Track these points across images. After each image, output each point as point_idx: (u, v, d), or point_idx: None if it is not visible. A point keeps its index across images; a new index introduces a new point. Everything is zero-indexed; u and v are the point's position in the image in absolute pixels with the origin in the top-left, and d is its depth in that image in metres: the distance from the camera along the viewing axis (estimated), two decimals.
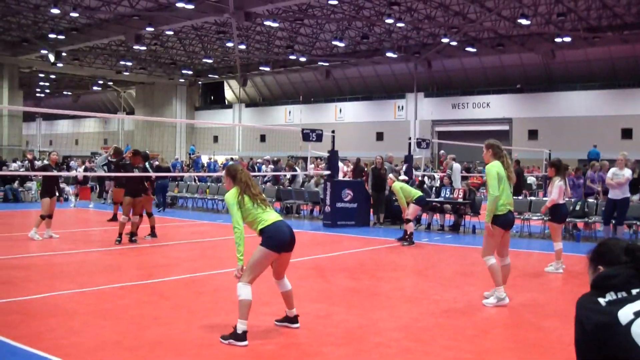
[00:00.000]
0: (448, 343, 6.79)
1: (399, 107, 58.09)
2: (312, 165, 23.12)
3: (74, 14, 41.50)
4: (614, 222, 15.39)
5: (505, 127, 52.28)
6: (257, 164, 32.55)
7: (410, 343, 6.77)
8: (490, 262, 8.53)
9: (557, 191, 11.59)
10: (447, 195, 18.76)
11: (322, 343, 6.66)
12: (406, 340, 6.88)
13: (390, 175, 17.03)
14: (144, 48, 52.98)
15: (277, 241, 6.65)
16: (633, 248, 3.06)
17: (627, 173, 14.85)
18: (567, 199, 13.17)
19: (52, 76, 70.16)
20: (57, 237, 14.94)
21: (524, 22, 39.69)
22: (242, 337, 6.45)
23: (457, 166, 21.07)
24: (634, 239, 15.89)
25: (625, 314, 2.80)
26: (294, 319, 7.17)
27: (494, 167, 8.61)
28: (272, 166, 29.36)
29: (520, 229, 17.91)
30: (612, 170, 15.24)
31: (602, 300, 2.92)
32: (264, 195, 7.03)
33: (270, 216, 6.77)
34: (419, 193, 15.72)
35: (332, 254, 13.86)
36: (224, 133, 66.27)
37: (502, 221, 8.56)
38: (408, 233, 15.40)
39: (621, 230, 15.21)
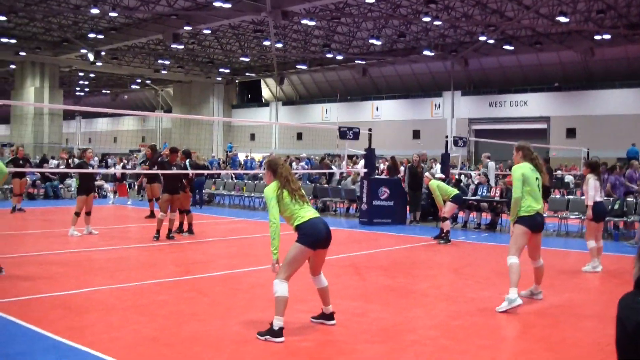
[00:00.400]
0: (484, 342, 6.76)
1: (435, 105, 57.88)
2: (344, 163, 23.15)
3: (113, 14, 42.02)
4: None
5: (543, 126, 51.85)
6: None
7: (446, 341, 6.76)
8: (511, 261, 8.34)
9: (593, 189, 11.45)
10: (483, 194, 18.67)
11: (358, 340, 6.68)
12: (442, 338, 6.87)
13: (427, 174, 17.01)
14: (181, 47, 53.36)
15: (313, 238, 6.69)
16: None
17: None
18: (605, 198, 12.98)
19: (92, 75, 71.02)
20: (97, 233, 15.14)
21: (562, 19, 39.27)
22: (279, 333, 6.49)
23: (491, 164, 20.98)
24: None
25: None
26: (330, 316, 7.19)
27: (519, 169, 8.58)
28: (302, 164, 29.47)
29: (557, 227, 17.77)
30: None
31: None
32: (303, 191, 7.07)
33: (307, 213, 6.81)
34: (455, 191, 15.71)
35: (368, 251, 13.88)
36: (261, 131, 66.51)
37: (529, 222, 8.46)
38: (445, 231, 15.36)
39: None
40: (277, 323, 6.51)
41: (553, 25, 42.81)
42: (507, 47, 48.08)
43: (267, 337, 6.50)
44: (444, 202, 15.52)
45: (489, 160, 21.02)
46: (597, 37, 44.12)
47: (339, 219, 21.39)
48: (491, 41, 47.90)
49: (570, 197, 21.17)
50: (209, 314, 7.66)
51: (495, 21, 43.81)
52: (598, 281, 10.77)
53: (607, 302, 8.62)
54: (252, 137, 67.15)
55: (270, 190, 6.83)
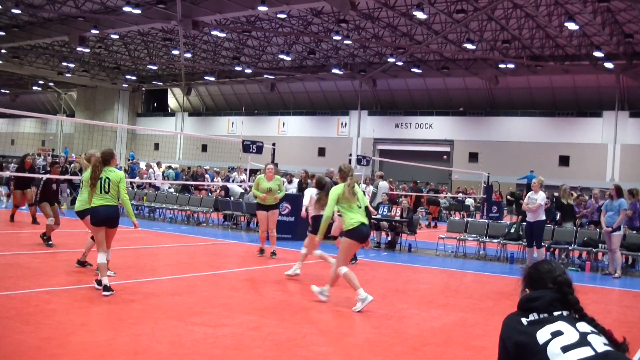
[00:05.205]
0: None
1: (342, 123, 58.44)
2: (236, 175, 23.03)
3: (16, 11, 40.56)
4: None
5: (447, 149, 52.98)
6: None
7: (339, 358, 6.74)
8: (344, 271, 9.21)
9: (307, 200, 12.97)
10: (384, 213, 18.81)
11: (251, 355, 6.57)
12: (335, 355, 6.84)
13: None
14: (87, 50, 52.20)
15: (94, 220, 9.22)
16: (561, 281, 3.17)
17: (540, 197, 15.14)
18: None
19: None
20: None
21: (469, 46, 40.30)
22: (108, 288, 8.83)
23: (383, 184, 21.03)
24: (565, 262, 16.24)
25: (543, 334, 2.95)
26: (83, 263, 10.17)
27: (335, 190, 9.34)
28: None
29: (456, 249, 18.08)
30: (529, 194, 15.56)
31: (524, 320, 3.08)
32: (101, 183, 9.31)
33: (96, 202, 9.20)
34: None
35: (266, 266, 13.78)
36: (165, 141, 65.65)
37: (354, 234, 9.18)
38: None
39: (541, 253, 15.38)
40: (104, 281, 8.90)
41: (460, 51, 43.87)
42: (415, 70, 49.00)
43: (101, 288, 8.87)
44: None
45: (380, 180, 21.17)
46: (502, 66, 45.50)
47: (239, 233, 21.21)
48: (400, 63, 48.76)
49: (470, 219, 21.61)
50: (99, 324, 7.41)
51: (405, 44, 44.59)
52: (491, 302, 10.97)
53: (498, 322, 8.75)
54: (156, 146, 66.16)
55: None
